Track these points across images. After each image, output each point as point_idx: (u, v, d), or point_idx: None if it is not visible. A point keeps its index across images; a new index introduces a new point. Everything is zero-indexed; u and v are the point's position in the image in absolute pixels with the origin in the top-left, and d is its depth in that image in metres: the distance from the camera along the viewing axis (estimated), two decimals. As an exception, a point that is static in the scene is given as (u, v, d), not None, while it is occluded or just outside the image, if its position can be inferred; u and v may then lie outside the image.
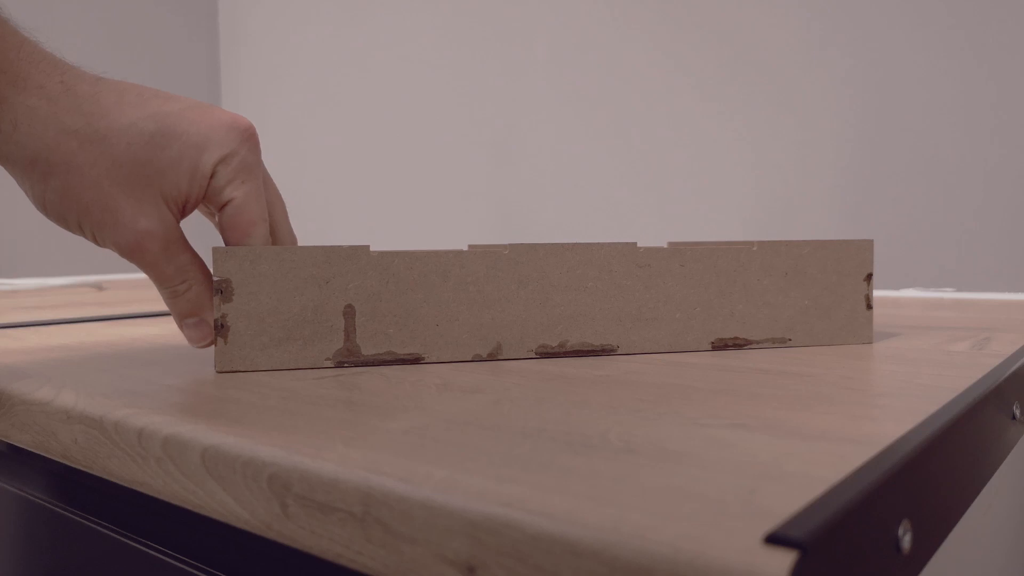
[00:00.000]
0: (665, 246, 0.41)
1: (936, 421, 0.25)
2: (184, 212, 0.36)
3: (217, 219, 0.37)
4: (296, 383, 0.32)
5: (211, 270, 0.36)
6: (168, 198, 0.34)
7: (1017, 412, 0.35)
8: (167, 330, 0.52)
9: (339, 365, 0.37)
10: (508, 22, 1.11)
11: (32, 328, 0.53)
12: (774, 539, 0.15)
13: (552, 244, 0.39)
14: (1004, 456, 0.34)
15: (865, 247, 0.43)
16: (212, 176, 0.35)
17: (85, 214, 0.33)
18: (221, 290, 0.35)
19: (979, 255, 0.80)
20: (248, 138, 0.36)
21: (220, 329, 0.35)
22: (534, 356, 0.39)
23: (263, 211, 0.36)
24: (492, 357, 0.39)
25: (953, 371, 0.34)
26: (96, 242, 0.35)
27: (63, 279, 0.99)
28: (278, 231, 0.39)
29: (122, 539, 0.32)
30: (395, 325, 0.37)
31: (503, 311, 0.39)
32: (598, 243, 0.40)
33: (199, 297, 0.36)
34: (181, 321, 0.37)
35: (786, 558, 0.15)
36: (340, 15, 1.30)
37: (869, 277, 0.43)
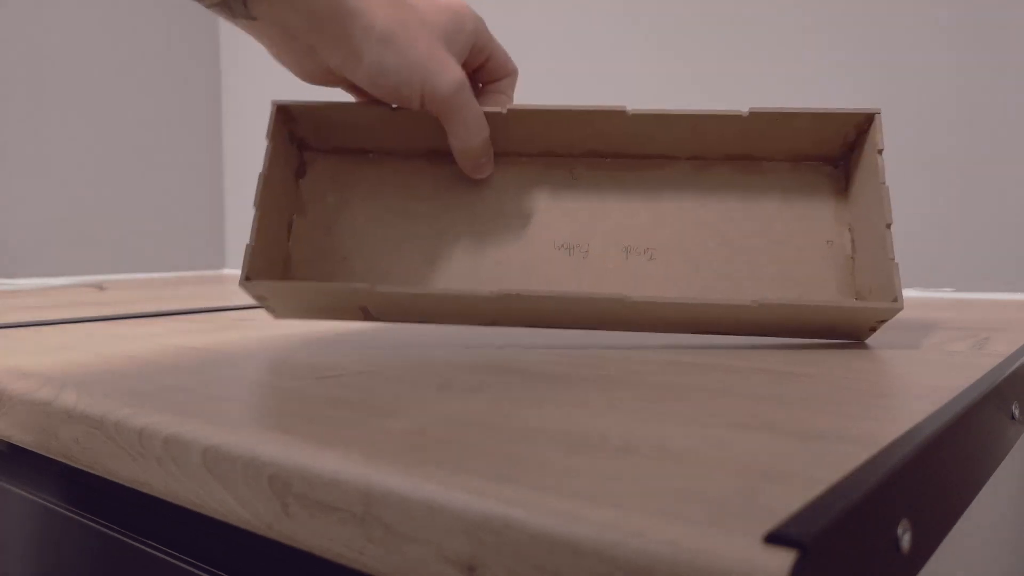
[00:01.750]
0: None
1: (935, 421, 0.25)
2: None
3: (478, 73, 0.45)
4: (296, 383, 0.33)
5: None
6: (456, 53, 0.41)
7: (1016, 412, 0.35)
8: (168, 330, 0.52)
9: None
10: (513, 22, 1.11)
11: (32, 328, 0.53)
12: (774, 538, 0.15)
13: (540, 294, 0.40)
14: (1003, 456, 0.34)
15: (886, 311, 0.40)
16: (474, 35, 0.42)
17: (422, 66, 0.39)
18: (257, 299, 0.42)
19: (979, 255, 0.80)
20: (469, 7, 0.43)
21: (267, 308, 0.43)
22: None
23: (504, 51, 0.45)
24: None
25: (952, 371, 0.34)
26: (424, 96, 0.40)
27: (63, 279, 0.99)
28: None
29: (123, 539, 0.32)
30: (406, 314, 0.43)
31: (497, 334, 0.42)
32: (587, 295, 0.40)
33: (486, 144, 0.44)
34: (472, 162, 0.44)
35: (786, 557, 0.15)
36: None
37: (877, 326, 0.42)
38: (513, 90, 0.47)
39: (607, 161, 0.46)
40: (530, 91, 1.10)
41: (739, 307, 0.39)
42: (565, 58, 1.06)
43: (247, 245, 0.41)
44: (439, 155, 0.46)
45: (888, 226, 0.39)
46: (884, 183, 0.40)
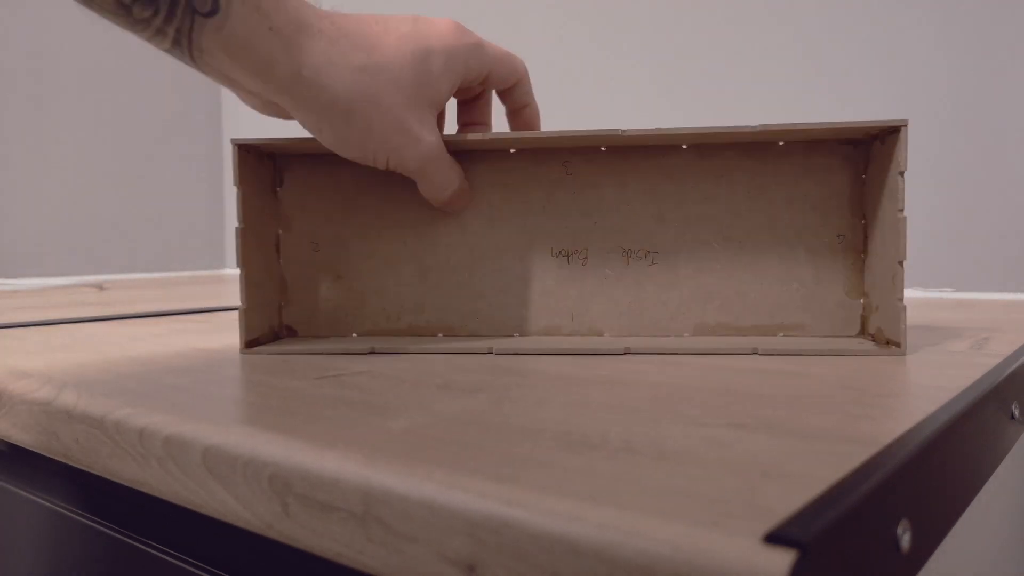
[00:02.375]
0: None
1: (935, 421, 0.25)
2: (442, 117, 0.43)
3: (481, 97, 0.44)
4: (296, 383, 0.33)
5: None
6: (434, 107, 0.39)
7: (1016, 412, 0.35)
8: (168, 330, 0.52)
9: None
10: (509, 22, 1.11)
11: (33, 328, 0.53)
12: (774, 538, 0.15)
13: (533, 349, 0.40)
14: (1003, 456, 0.34)
15: (888, 362, 0.40)
16: (465, 71, 0.39)
17: (385, 142, 0.37)
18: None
19: (979, 255, 0.80)
20: (463, 28, 0.40)
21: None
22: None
23: (506, 54, 0.42)
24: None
25: (952, 371, 0.34)
26: (391, 166, 0.39)
27: (63, 279, 0.99)
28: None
29: (123, 538, 0.32)
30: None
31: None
32: (583, 346, 0.40)
33: (460, 191, 0.43)
34: (443, 207, 0.43)
35: (786, 557, 0.15)
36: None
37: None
38: (530, 88, 0.44)
39: (603, 152, 0.44)
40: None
41: (739, 355, 0.39)
42: (566, 55, 1.06)
43: (240, 309, 0.41)
44: None
45: (901, 263, 0.37)
46: (903, 212, 0.37)
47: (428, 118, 0.39)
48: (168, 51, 0.34)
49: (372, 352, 0.40)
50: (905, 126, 0.37)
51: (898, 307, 0.38)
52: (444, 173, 0.41)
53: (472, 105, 0.45)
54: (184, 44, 0.33)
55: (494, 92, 0.45)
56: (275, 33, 0.33)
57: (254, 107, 0.40)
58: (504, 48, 0.43)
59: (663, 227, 0.44)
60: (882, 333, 0.40)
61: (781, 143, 0.43)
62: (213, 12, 0.32)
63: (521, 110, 0.45)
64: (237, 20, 0.32)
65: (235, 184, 0.41)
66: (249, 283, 0.41)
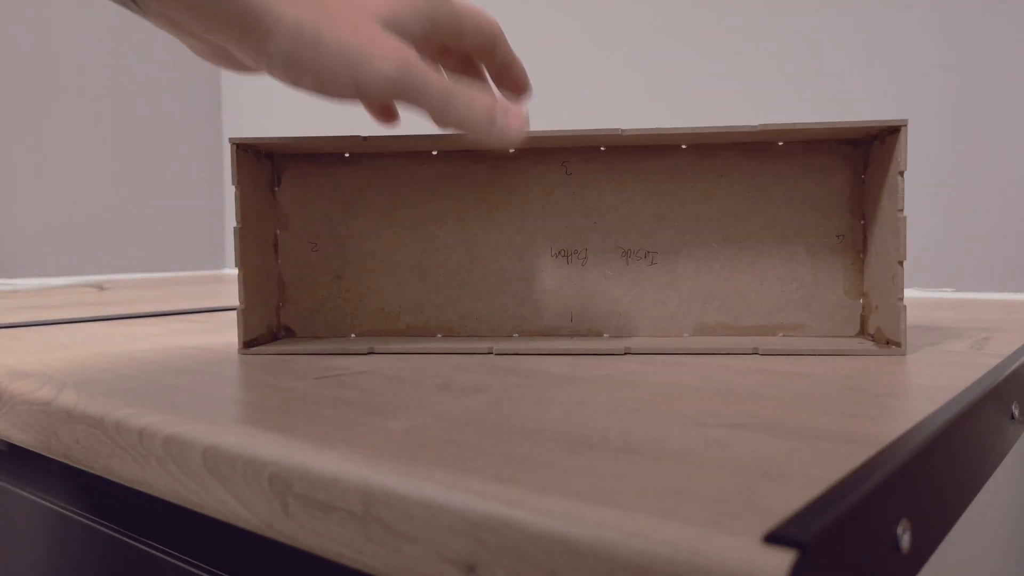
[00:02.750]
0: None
1: (935, 421, 0.25)
2: None
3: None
4: (296, 383, 0.33)
5: None
6: (405, 39, 0.36)
7: (1016, 412, 0.35)
8: (168, 330, 0.52)
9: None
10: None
11: (33, 328, 0.53)
12: (773, 538, 0.15)
13: (531, 350, 0.40)
14: (1003, 456, 0.34)
15: (885, 362, 0.41)
16: (433, 15, 0.37)
17: (345, 55, 0.33)
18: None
19: (978, 255, 0.80)
20: None
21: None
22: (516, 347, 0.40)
23: (478, 10, 0.40)
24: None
25: (952, 371, 0.34)
26: (359, 83, 0.34)
27: (63, 279, 0.99)
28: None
29: (123, 538, 0.32)
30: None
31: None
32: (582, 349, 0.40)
33: (485, 109, 0.36)
34: (486, 129, 0.37)
35: (785, 557, 0.15)
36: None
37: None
38: (509, 45, 0.41)
39: (602, 152, 0.44)
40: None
41: (739, 355, 0.39)
42: (566, 55, 1.06)
43: (238, 310, 0.41)
44: (419, 155, 0.45)
45: (901, 263, 0.38)
46: (903, 212, 0.38)
47: (392, 36, 0.35)
48: (120, 3, 0.34)
49: (371, 352, 0.40)
50: (905, 126, 0.37)
51: (898, 307, 0.38)
52: (439, 83, 0.35)
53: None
54: None
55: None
56: None
57: (204, 56, 0.38)
58: (475, 5, 0.40)
59: (663, 227, 0.44)
60: (882, 333, 0.40)
61: (780, 143, 0.43)
62: None
63: (507, 70, 0.42)
64: None
65: (233, 183, 0.41)
66: (247, 283, 0.41)
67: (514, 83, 0.43)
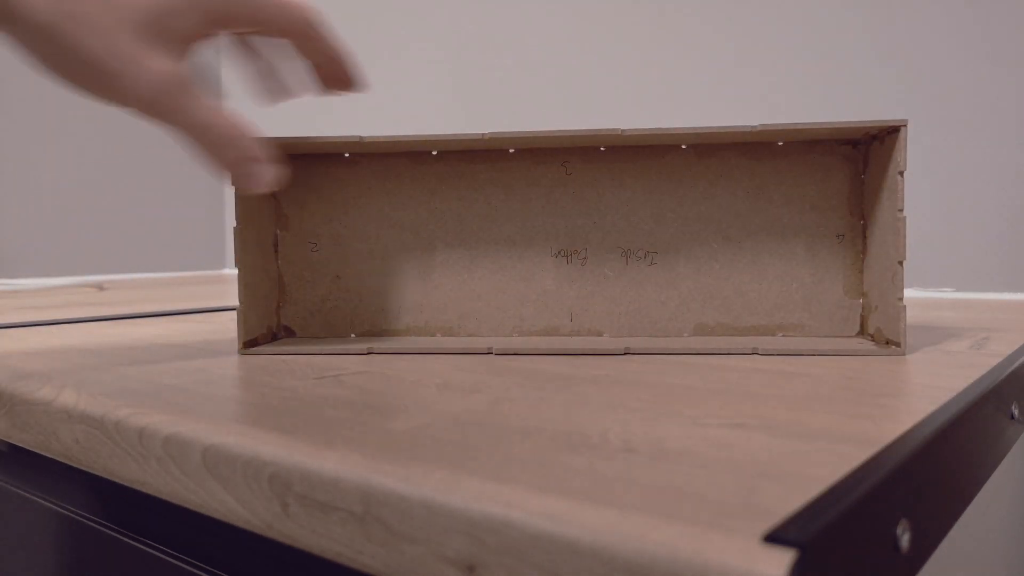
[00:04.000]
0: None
1: (935, 421, 0.25)
2: (190, 48, 0.35)
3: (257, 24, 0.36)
4: (296, 383, 0.33)
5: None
6: (175, 40, 0.33)
7: (1015, 412, 0.35)
8: (168, 330, 0.52)
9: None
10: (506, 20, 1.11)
11: (33, 328, 0.53)
12: (773, 538, 0.15)
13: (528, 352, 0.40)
14: (1003, 456, 0.34)
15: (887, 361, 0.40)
16: (222, 8, 0.34)
17: (98, 66, 0.32)
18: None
19: (979, 255, 0.80)
20: None
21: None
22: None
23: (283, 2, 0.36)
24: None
25: (952, 371, 0.34)
26: (114, 100, 0.33)
27: (63, 279, 0.99)
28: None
29: (123, 538, 0.32)
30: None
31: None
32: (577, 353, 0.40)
33: (247, 149, 0.35)
34: (233, 171, 0.35)
35: (785, 557, 0.15)
36: (345, 8, 1.30)
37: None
38: (328, 35, 0.38)
39: (602, 152, 0.44)
40: (531, 93, 1.10)
41: (739, 355, 0.39)
42: (565, 55, 1.06)
43: (238, 310, 0.41)
44: (419, 155, 0.45)
45: (901, 263, 0.38)
46: (902, 212, 0.38)
47: (165, 49, 0.33)
48: None
49: (370, 352, 0.40)
50: (904, 126, 0.37)
51: (898, 307, 0.38)
52: (197, 112, 0.34)
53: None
54: None
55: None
56: None
57: None
58: None
59: (662, 227, 0.44)
60: (881, 333, 0.40)
61: (780, 143, 0.43)
62: None
63: (329, 64, 0.38)
64: None
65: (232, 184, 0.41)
66: (246, 283, 0.41)
67: (336, 78, 0.39)
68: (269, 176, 0.36)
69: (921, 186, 0.82)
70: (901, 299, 0.38)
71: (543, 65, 1.08)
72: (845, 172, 0.43)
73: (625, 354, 0.39)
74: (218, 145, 0.34)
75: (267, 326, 0.44)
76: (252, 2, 0.35)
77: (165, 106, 0.33)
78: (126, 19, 0.32)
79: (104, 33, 0.32)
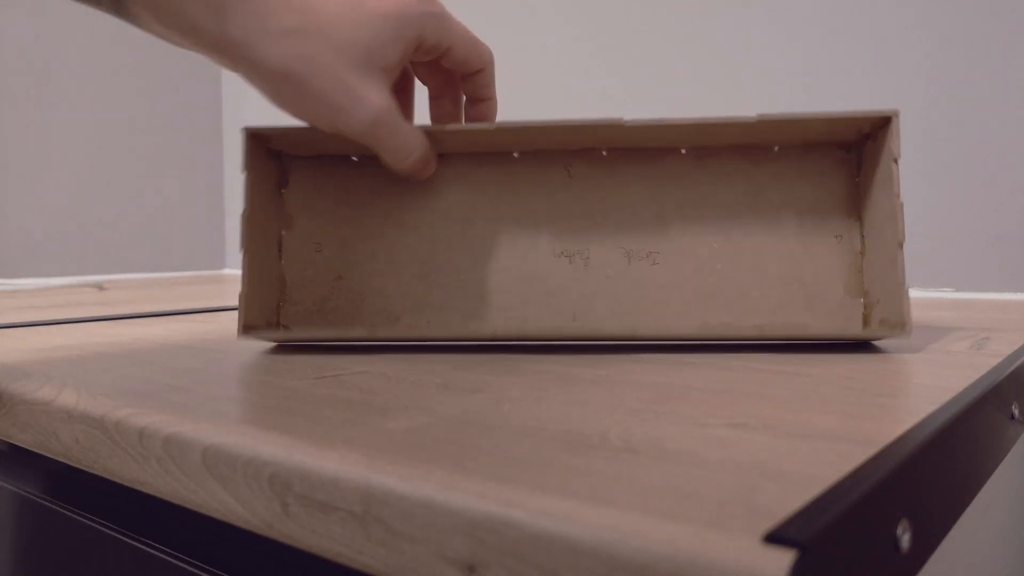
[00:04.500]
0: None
1: (935, 421, 0.25)
2: (394, 82, 0.40)
3: (447, 65, 0.42)
4: (296, 383, 0.33)
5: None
6: (384, 71, 0.38)
7: (1016, 412, 0.35)
8: (168, 330, 0.52)
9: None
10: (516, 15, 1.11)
11: (33, 328, 0.53)
12: (773, 538, 0.15)
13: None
14: (1003, 456, 0.34)
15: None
16: (419, 38, 0.38)
17: (325, 103, 0.36)
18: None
19: (979, 255, 0.80)
20: None
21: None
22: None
23: (473, 38, 0.41)
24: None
25: (952, 371, 0.34)
26: (338, 129, 0.38)
27: (63, 279, 0.99)
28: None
29: (123, 538, 0.32)
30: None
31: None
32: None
33: (423, 158, 0.41)
34: (407, 175, 0.42)
35: (785, 557, 0.15)
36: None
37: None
38: (493, 81, 0.43)
39: (604, 156, 0.44)
40: (528, 88, 1.10)
41: (739, 354, 0.39)
42: (561, 52, 1.06)
43: (240, 293, 0.41)
44: None
45: (900, 245, 0.38)
46: (899, 197, 0.38)
47: (377, 81, 0.37)
48: (110, 13, 0.35)
49: (371, 341, 0.40)
50: (896, 116, 0.38)
51: (901, 290, 0.38)
52: (399, 138, 0.39)
53: (441, 100, 0.45)
54: (123, 11, 0.34)
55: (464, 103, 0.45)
56: None
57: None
58: (471, 34, 0.41)
59: (664, 228, 0.44)
60: (886, 322, 0.40)
61: (776, 148, 0.44)
62: None
63: (481, 102, 0.44)
64: None
65: (243, 171, 0.42)
66: (251, 269, 0.42)
67: (481, 116, 0.44)
68: (431, 172, 0.43)
69: (921, 186, 0.82)
70: (903, 283, 0.38)
71: (542, 65, 1.08)
72: (840, 175, 0.43)
73: (631, 343, 0.40)
74: (401, 159, 0.40)
75: (267, 321, 0.44)
76: (448, 37, 0.39)
77: (375, 135, 0.38)
78: (346, 57, 0.36)
79: (330, 72, 0.36)
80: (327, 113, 0.36)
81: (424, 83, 0.45)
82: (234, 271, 1.45)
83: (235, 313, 0.64)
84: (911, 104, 0.83)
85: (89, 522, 0.34)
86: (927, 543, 0.24)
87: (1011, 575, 0.47)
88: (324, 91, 0.36)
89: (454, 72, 0.43)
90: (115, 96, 1.31)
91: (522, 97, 1.10)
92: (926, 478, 0.23)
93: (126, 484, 0.28)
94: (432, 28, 0.39)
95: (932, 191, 0.82)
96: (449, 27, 0.39)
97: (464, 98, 0.45)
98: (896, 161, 0.38)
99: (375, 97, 0.37)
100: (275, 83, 0.36)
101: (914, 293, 0.82)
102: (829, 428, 0.24)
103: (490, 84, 0.43)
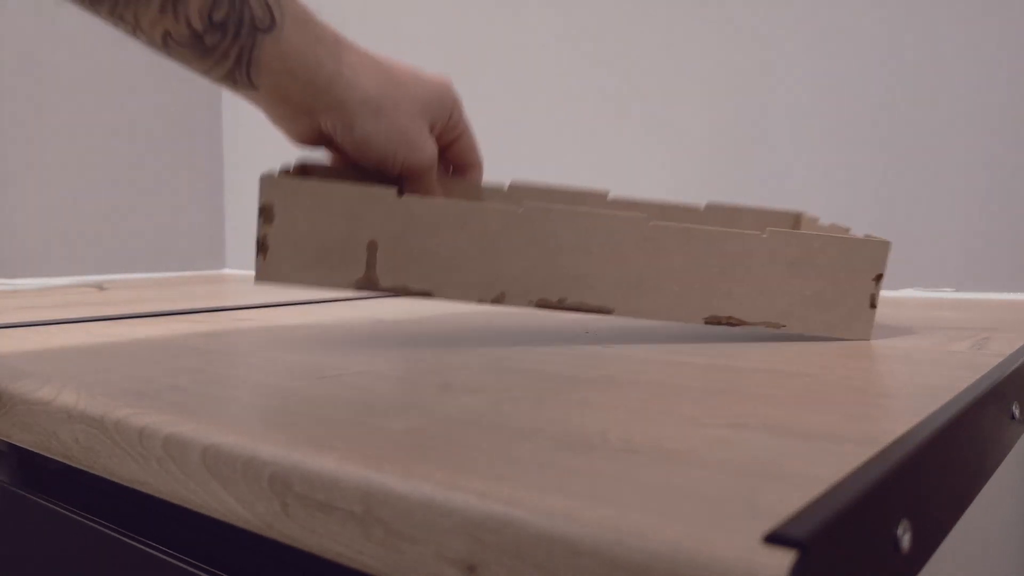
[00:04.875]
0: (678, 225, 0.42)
1: (935, 421, 0.25)
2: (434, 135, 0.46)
3: (450, 145, 0.47)
4: (296, 383, 0.33)
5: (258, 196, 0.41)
6: (432, 129, 0.44)
7: (1016, 412, 0.35)
8: (167, 330, 0.52)
9: (360, 289, 0.41)
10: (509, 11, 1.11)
11: (32, 328, 0.53)
12: (773, 538, 0.15)
13: (565, 209, 0.41)
14: (1003, 456, 0.34)
15: (880, 248, 0.42)
16: (452, 109, 0.45)
17: (403, 141, 0.41)
18: (264, 213, 0.40)
19: (979, 255, 0.80)
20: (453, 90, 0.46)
21: (261, 248, 0.40)
22: (534, 306, 0.41)
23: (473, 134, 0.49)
24: (496, 302, 0.41)
25: (952, 371, 0.34)
26: (403, 165, 0.42)
27: (63, 279, 0.99)
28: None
29: (123, 538, 0.32)
30: (412, 263, 0.41)
31: (510, 264, 0.41)
32: (609, 212, 0.40)
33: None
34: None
35: (785, 557, 0.15)
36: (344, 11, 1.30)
37: (879, 278, 0.42)
38: (481, 181, 0.50)
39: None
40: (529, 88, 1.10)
41: (739, 347, 0.40)
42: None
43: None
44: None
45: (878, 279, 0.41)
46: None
47: (428, 132, 0.43)
48: (222, 76, 0.39)
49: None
50: (887, 243, 0.42)
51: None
52: (434, 183, 0.45)
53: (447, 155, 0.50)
54: (244, 61, 0.38)
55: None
56: (320, 42, 0.39)
57: (287, 131, 0.43)
58: (473, 134, 0.49)
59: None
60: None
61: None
62: (271, 27, 0.38)
63: (463, 167, 0.50)
64: (291, 33, 0.38)
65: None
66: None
67: (469, 177, 0.51)
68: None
69: (921, 186, 0.82)
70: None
71: (541, 65, 1.08)
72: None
73: (631, 344, 0.39)
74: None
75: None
76: (465, 120, 0.47)
77: (427, 176, 0.43)
78: (417, 104, 0.42)
79: (408, 114, 0.42)
80: (403, 144, 0.41)
81: None
82: (234, 271, 1.45)
83: (236, 313, 0.64)
84: (913, 103, 0.83)
85: (89, 522, 0.34)
86: (928, 543, 0.24)
87: (1011, 575, 0.47)
88: (405, 127, 0.41)
89: (445, 161, 0.49)
90: (115, 96, 1.31)
91: (523, 97, 1.10)
92: (927, 478, 0.23)
93: (126, 484, 0.28)
94: (459, 109, 0.46)
95: (932, 191, 0.82)
96: (465, 116, 0.47)
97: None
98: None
99: (430, 143, 0.43)
100: (370, 114, 0.40)
101: (914, 293, 0.82)
102: (829, 428, 0.24)
103: (477, 174, 0.50)
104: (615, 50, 1.02)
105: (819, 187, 0.88)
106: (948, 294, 0.81)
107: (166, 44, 0.37)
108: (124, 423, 0.28)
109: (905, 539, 0.21)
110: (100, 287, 0.96)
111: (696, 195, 0.96)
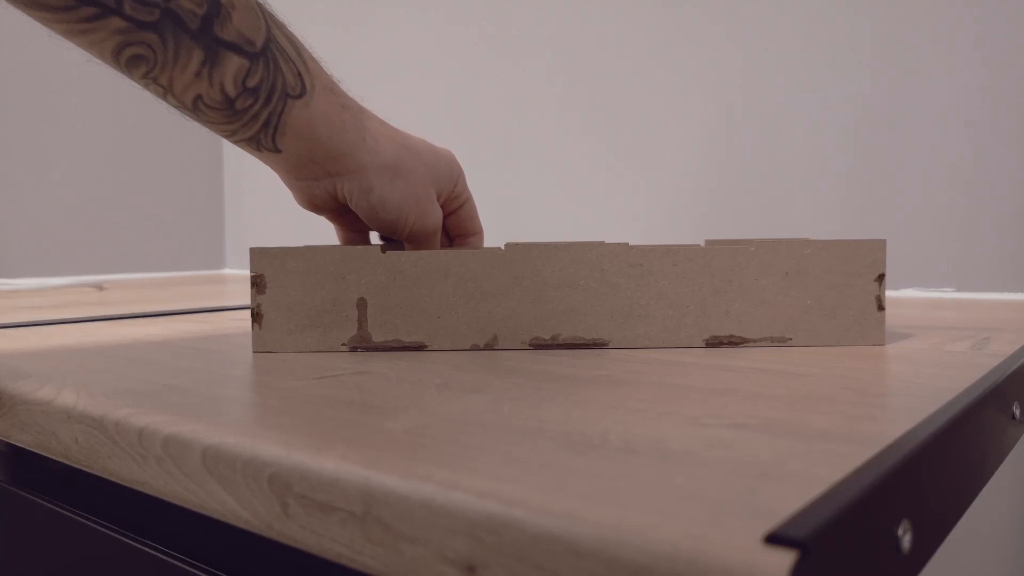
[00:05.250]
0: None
1: (936, 421, 0.25)
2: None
3: (452, 215, 0.49)
4: (296, 383, 0.33)
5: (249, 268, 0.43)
6: (439, 192, 0.46)
7: (1017, 412, 0.35)
8: (167, 330, 0.52)
9: (353, 350, 0.41)
10: (508, 28, 1.11)
11: (32, 328, 0.53)
12: (774, 539, 0.15)
13: (546, 244, 0.41)
14: (1004, 456, 0.34)
15: (876, 247, 0.41)
16: (456, 181, 0.47)
17: (416, 205, 0.43)
18: (256, 283, 0.41)
19: (979, 255, 0.80)
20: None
21: (256, 317, 0.41)
22: (528, 348, 0.42)
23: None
24: (488, 347, 0.42)
25: (953, 371, 0.34)
26: (413, 229, 0.44)
27: (63, 279, 0.99)
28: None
29: (122, 539, 0.32)
30: (401, 316, 0.42)
31: (499, 305, 0.42)
32: (590, 242, 0.41)
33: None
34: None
35: (786, 557, 0.15)
36: (344, 15, 1.30)
37: (881, 278, 0.41)
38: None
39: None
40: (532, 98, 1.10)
41: (739, 349, 0.39)
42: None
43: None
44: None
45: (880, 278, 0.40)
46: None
47: (436, 200, 0.45)
48: (246, 139, 0.40)
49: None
50: (883, 242, 0.41)
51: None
52: (438, 247, 0.46)
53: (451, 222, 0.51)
54: (272, 125, 0.39)
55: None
56: (346, 109, 0.41)
57: (301, 194, 0.44)
58: (475, 208, 0.51)
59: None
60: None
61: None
62: (302, 94, 0.39)
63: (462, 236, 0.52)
64: (319, 100, 0.40)
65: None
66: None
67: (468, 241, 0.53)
68: None
69: (921, 186, 0.82)
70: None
71: (538, 63, 1.08)
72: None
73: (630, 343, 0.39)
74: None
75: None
76: (467, 192, 0.49)
77: (432, 240, 0.45)
78: (430, 172, 0.44)
79: (421, 182, 0.44)
80: (415, 209, 0.43)
81: None
82: (233, 271, 1.45)
83: (236, 313, 0.64)
84: (912, 102, 0.83)
85: (89, 522, 0.34)
86: (928, 543, 0.24)
87: (1011, 575, 0.47)
88: (418, 193, 0.43)
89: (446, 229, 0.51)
90: (115, 96, 1.31)
91: (521, 97, 1.10)
92: (927, 479, 0.23)
93: (126, 484, 0.28)
94: (462, 180, 0.48)
95: (932, 191, 0.82)
96: (467, 187, 0.49)
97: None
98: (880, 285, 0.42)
99: (438, 210, 0.45)
100: (388, 179, 0.42)
101: (914, 293, 0.82)
102: (829, 428, 0.24)
103: (477, 241, 0.52)
104: (606, 104, 1.02)
105: (819, 189, 0.88)
106: (948, 294, 0.81)
107: (196, 108, 0.39)
108: (124, 423, 0.28)
109: (906, 539, 0.21)
110: (99, 287, 0.96)
111: (698, 236, 0.96)
